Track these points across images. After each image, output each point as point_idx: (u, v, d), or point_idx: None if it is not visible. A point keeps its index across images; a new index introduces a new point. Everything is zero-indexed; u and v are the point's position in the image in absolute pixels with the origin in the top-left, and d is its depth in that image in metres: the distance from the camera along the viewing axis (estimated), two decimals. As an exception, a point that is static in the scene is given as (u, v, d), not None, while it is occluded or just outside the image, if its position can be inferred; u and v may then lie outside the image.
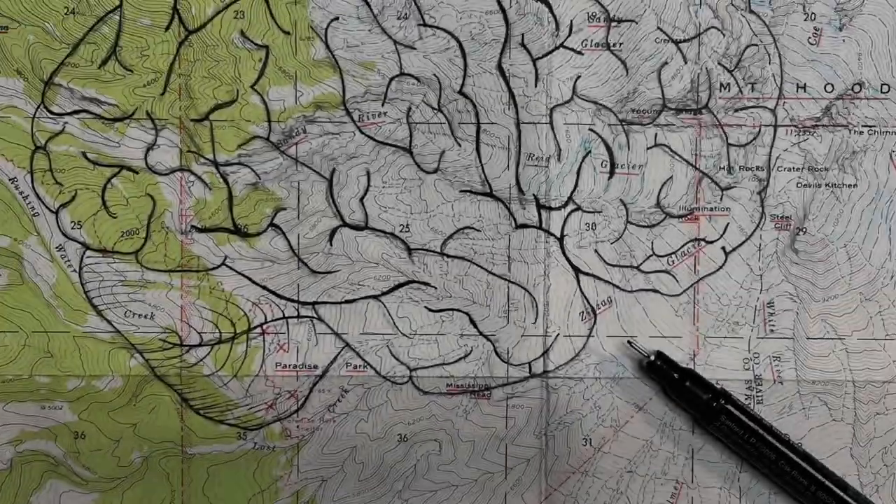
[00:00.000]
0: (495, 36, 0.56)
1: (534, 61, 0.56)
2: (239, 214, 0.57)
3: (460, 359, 0.57)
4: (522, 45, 0.56)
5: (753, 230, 0.57)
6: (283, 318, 0.57)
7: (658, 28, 0.56)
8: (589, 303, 0.57)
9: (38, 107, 0.56)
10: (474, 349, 0.57)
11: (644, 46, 0.56)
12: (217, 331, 0.57)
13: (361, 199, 0.57)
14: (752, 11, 0.56)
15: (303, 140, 0.56)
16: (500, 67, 0.56)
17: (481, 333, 0.57)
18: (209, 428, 0.57)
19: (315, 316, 0.57)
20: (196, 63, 0.56)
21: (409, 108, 0.56)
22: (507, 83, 0.56)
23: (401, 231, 0.57)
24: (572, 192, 0.57)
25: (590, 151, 0.56)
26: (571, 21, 0.56)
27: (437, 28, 0.56)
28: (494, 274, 0.57)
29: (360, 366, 0.57)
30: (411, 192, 0.56)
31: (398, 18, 0.56)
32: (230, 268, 0.57)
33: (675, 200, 0.57)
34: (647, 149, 0.56)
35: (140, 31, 0.56)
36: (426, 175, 0.56)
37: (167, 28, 0.56)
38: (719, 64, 0.56)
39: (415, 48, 0.56)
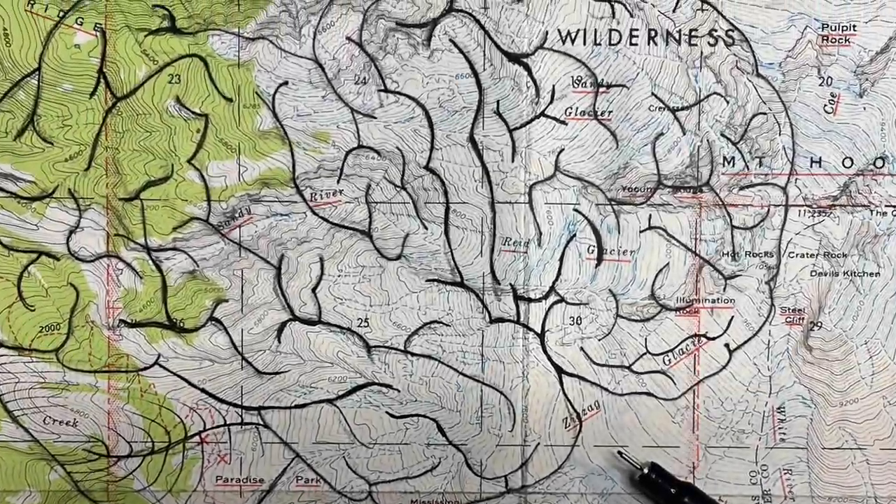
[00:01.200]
0: (466, 103, 0.54)
1: (510, 132, 0.54)
2: (174, 307, 0.54)
3: (427, 471, 0.55)
4: (497, 113, 0.54)
5: (761, 325, 0.55)
6: (225, 425, 0.55)
7: (653, 94, 0.54)
8: (574, 408, 0.55)
9: (-55, 184, 0.54)
10: (443, 461, 0.55)
11: (636, 115, 0.54)
12: (149, 440, 0.55)
13: (314, 290, 0.54)
14: (759, 75, 0.53)
15: (247, 222, 0.54)
16: (472, 139, 0.54)
17: (451, 443, 0.55)
18: (140, 551, 0.55)
19: (261, 423, 0.55)
20: (125, 134, 0.53)
21: (369, 186, 0.54)
22: (481, 157, 0.54)
23: (359, 326, 0.55)
24: (554, 282, 0.54)
25: (574, 235, 0.54)
26: (553, 86, 0.54)
27: (401, 94, 0.54)
28: (466, 375, 0.55)
29: (312, 479, 0.55)
30: (371, 281, 0.54)
31: (356, 83, 0.53)
32: (164, 368, 0.54)
33: (671, 291, 0.55)
34: (640, 232, 0.54)
35: (61, 97, 0.53)
36: (388, 262, 0.54)
37: (92, 94, 0.53)
38: (722, 135, 0.54)
39: (375, 117, 0.54)
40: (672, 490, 0.52)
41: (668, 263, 0.54)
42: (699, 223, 0.54)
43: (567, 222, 0.54)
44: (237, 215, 0.54)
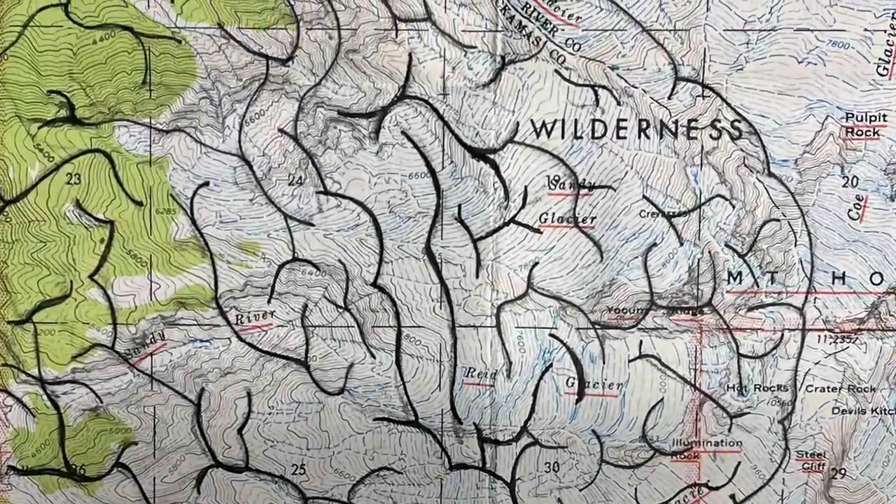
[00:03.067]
0: (422, 208, 0.52)
1: (474, 242, 0.52)
2: (73, 451, 0.53)
3: None
4: (459, 220, 0.52)
5: (774, 472, 0.53)
6: None
7: (644, 197, 0.52)
8: (551, 571, 0.52)
9: None
10: None
11: (625, 222, 0.52)
12: None
13: (240, 431, 0.53)
14: (771, 174, 0.52)
15: (160, 349, 0.53)
16: (428, 251, 0.52)
17: None
18: None
19: (177, 591, 0.53)
20: (15, 245, 0.52)
21: (305, 307, 0.52)
22: (439, 272, 0.52)
23: (294, 473, 0.53)
24: (527, 421, 0.53)
25: (551, 365, 0.53)
26: (526, 187, 0.52)
27: (344, 197, 0.52)
28: (421, 532, 0.52)
29: None
30: (308, 420, 0.53)
31: (290, 184, 0.52)
32: (61, 525, 0.52)
33: (666, 432, 0.53)
34: (630, 361, 0.53)
35: (-61, 201, 0.51)
36: (328, 397, 0.53)
37: (-25, 198, 0.51)
38: (727, 246, 0.52)
39: (313, 224, 0.52)
40: None
41: (662, 399, 0.53)
42: (699, 351, 0.53)
43: (542, 350, 0.53)
44: (148, 341, 0.52)
